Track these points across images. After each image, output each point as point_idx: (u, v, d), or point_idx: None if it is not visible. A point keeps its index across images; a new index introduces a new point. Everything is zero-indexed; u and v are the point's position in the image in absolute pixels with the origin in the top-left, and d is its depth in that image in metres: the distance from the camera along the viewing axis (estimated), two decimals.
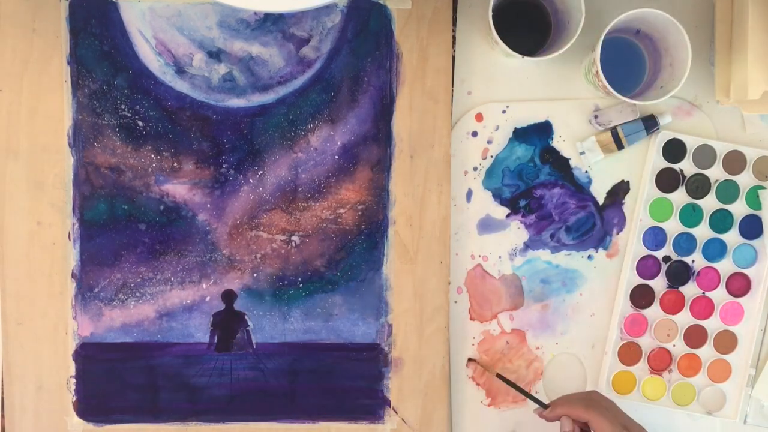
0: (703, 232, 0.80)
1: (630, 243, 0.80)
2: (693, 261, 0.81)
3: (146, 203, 0.78)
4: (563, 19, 0.75)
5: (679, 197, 0.80)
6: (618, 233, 0.81)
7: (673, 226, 0.80)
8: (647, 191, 0.80)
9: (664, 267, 0.80)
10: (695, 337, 0.81)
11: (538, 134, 0.80)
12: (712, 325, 0.81)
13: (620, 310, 0.80)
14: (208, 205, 0.78)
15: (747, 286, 0.81)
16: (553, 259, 0.81)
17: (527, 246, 0.81)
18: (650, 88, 0.77)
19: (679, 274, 0.81)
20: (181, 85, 0.78)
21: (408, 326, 0.79)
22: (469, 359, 0.80)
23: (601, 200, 0.81)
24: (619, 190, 0.81)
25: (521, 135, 0.80)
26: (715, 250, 0.80)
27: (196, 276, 0.79)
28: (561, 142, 0.80)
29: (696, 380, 0.81)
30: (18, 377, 0.78)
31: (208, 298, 0.79)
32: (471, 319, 0.81)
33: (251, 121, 0.78)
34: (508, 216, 0.81)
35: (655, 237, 0.80)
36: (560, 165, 0.80)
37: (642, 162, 0.80)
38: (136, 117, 0.78)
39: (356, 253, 0.79)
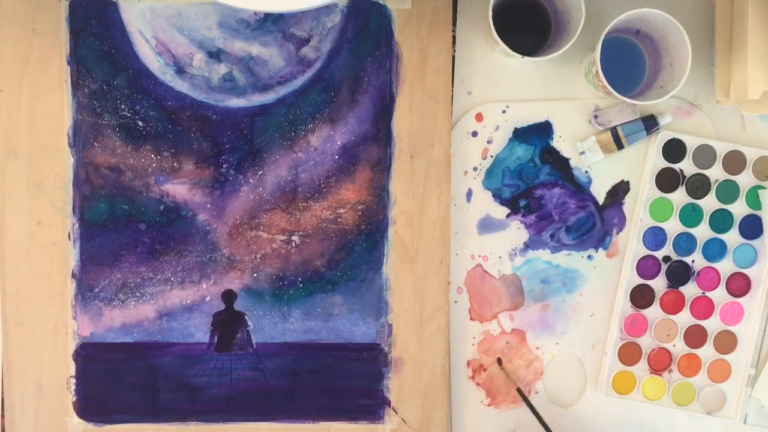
0: (703, 232, 0.80)
1: (630, 243, 0.80)
2: (693, 261, 0.81)
3: (146, 203, 0.78)
4: (563, 19, 0.75)
5: (679, 197, 0.80)
6: (618, 233, 0.81)
7: (673, 226, 0.80)
8: (647, 191, 0.80)
9: (664, 267, 0.80)
10: (695, 337, 0.81)
11: (538, 134, 0.80)
12: (712, 325, 0.81)
13: (620, 310, 0.80)
14: (208, 205, 0.78)
15: (747, 286, 0.81)
16: (553, 259, 0.81)
17: (527, 246, 0.81)
18: (650, 88, 0.77)
19: (679, 274, 0.81)
20: (181, 85, 0.78)
21: (408, 326, 0.79)
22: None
23: (601, 200, 0.81)
24: (619, 190, 0.81)
25: (521, 135, 0.80)
26: (715, 250, 0.80)
27: (196, 276, 0.79)
28: (561, 142, 0.80)
29: (696, 380, 0.81)
30: (18, 377, 0.78)
31: (208, 298, 0.79)
32: (471, 319, 0.81)
33: (251, 121, 0.78)
34: (508, 216, 0.81)
35: (655, 237, 0.80)
36: (560, 165, 0.80)
37: (642, 162, 0.80)
38: (136, 117, 0.78)
39: (356, 253, 0.79)
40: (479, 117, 0.80)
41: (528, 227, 0.81)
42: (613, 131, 0.79)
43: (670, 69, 0.74)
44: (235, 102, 0.78)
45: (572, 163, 0.80)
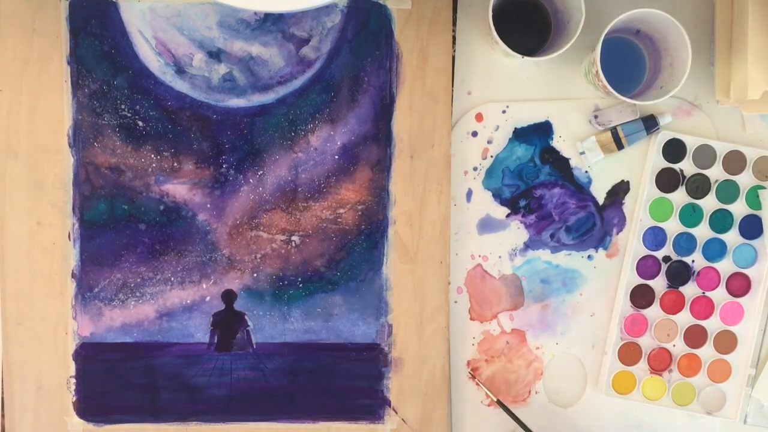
0: (703, 232, 0.80)
1: (630, 243, 0.80)
2: (693, 261, 0.81)
3: (146, 203, 0.78)
4: (563, 19, 0.75)
5: (679, 197, 0.80)
6: (618, 233, 0.81)
7: (673, 226, 0.80)
8: (647, 191, 0.80)
9: (664, 267, 0.80)
10: (695, 337, 0.81)
11: (538, 134, 0.80)
12: (712, 325, 0.81)
13: (620, 310, 0.80)
14: (208, 205, 0.78)
15: (747, 286, 0.81)
16: (553, 259, 0.81)
17: (527, 246, 0.81)
18: (650, 88, 0.77)
19: (679, 274, 0.81)
20: (181, 85, 0.78)
21: (408, 326, 0.79)
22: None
23: (601, 200, 0.81)
24: (619, 190, 0.81)
25: (521, 135, 0.80)
26: (715, 250, 0.80)
27: (196, 276, 0.79)
28: (561, 142, 0.80)
29: (696, 380, 0.81)
30: (18, 377, 0.78)
31: (208, 298, 0.79)
32: (471, 319, 0.81)
33: (251, 121, 0.78)
34: (508, 216, 0.81)
35: (655, 237, 0.80)
36: (560, 165, 0.80)
37: (642, 162, 0.80)
38: (136, 117, 0.78)
39: (356, 253, 0.79)
40: (479, 117, 0.80)
41: (528, 227, 0.81)
42: (613, 131, 0.79)
43: (670, 69, 0.74)
44: (235, 102, 0.78)
45: (572, 163, 0.80)
